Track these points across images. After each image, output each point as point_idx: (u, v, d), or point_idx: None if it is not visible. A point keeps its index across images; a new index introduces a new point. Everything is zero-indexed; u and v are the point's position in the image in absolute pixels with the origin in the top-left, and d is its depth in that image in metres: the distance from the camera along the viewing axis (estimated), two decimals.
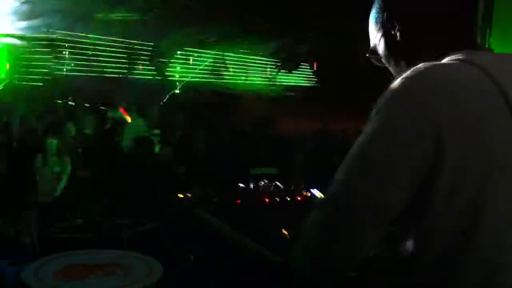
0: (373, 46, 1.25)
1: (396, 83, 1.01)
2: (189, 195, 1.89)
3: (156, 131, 6.61)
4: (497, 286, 0.97)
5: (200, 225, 1.74)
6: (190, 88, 12.09)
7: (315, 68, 13.88)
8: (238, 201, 1.87)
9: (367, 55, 1.27)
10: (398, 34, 1.16)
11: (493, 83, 0.98)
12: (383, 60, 1.23)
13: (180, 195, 1.94)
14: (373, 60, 1.26)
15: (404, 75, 1.01)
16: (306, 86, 14.30)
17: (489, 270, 0.97)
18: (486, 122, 0.96)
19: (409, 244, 1.02)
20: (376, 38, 1.22)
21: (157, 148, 6.54)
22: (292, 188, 1.95)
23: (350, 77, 10.65)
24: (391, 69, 1.22)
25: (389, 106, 1.00)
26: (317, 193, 1.92)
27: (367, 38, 1.26)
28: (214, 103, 10.31)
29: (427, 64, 1.02)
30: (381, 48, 1.21)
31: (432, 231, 0.98)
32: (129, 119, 7.97)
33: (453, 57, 1.06)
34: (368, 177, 0.98)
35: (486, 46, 2.85)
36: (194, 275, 1.46)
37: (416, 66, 1.02)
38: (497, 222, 0.96)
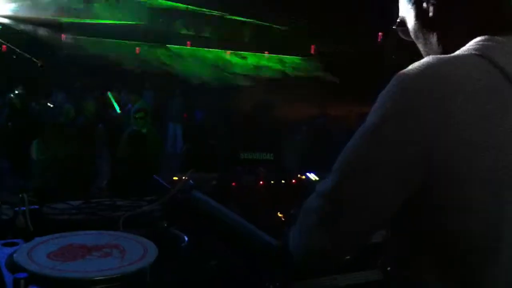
0: (401, 18, 1.18)
1: (397, 80, 0.97)
2: (186, 178, 1.89)
3: (139, 114, 6.51)
4: None
5: (198, 207, 1.74)
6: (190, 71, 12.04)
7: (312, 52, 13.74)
8: (234, 183, 1.88)
9: (393, 27, 1.21)
10: (431, 8, 1.09)
11: (505, 79, 0.94)
12: (411, 34, 1.17)
13: (176, 178, 1.94)
14: (400, 33, 1.21)
15: (404, 73, 0.97)
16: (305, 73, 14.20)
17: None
18: (492, 124, 0.92)
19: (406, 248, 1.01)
20: (406, 10, 1.16)
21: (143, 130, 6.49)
22: (287, 171, 1.95)
23: (349, 64, 10.59)
24: (418, 44, 1.17)
25: (386, 107, 0.97)
26: (312, 176, 1.92)
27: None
28: (212, 86, 10.29)
29: (432, 60, 0.97)
30: (410, 21, 1.15)
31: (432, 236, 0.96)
32: (117, 107, 7.97)
33: (469, 46, 1.02)
34: (360, 177, 0.97)
35: None
36: (190, 257, 1.47)
37: (421, 61, 0.98)
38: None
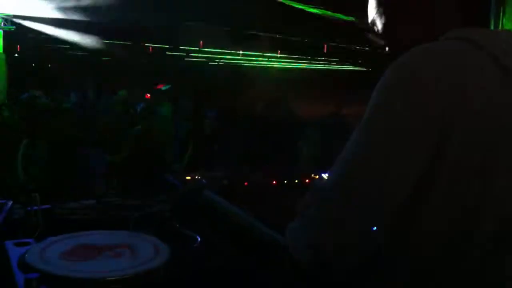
0: (372, 22, 1.24)
1: (397, 64, 0.99)
2: (198, 177, 1.89)
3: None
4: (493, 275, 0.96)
5: (209, 206, 1.73)
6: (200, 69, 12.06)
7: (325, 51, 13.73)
8: (246, 183, 1.86)
9: (365, 31, 1.27)
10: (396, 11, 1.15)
11: (487, 55, 0.97)
12: (381, 36, 1.22)
13: (189, 177, 1.93)
14: (372, 36, 1.26)
15: (403, 58, 0.99)
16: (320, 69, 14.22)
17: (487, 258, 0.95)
18: (490, 101, 0.94)
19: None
20: (375, 14, 1.22)
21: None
22: (301, 171, 1.94)
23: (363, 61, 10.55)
24: (389, 46, 1.22)
25: (390, 89, 0.98)
26: (326, 176, 1.91)
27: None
28: (225, 85, 10.29)
29: (425, 45, 1.01)
30: (379, 25, 1.20)
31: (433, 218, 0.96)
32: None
33: (449, 34, 1.05)
34: (369, 164, 0.95)
35: (500, 26, 2.80)
36: (201, 257, 1.46)
37: (414, 48, 1.00)
38: (501, 206, 0.94)
